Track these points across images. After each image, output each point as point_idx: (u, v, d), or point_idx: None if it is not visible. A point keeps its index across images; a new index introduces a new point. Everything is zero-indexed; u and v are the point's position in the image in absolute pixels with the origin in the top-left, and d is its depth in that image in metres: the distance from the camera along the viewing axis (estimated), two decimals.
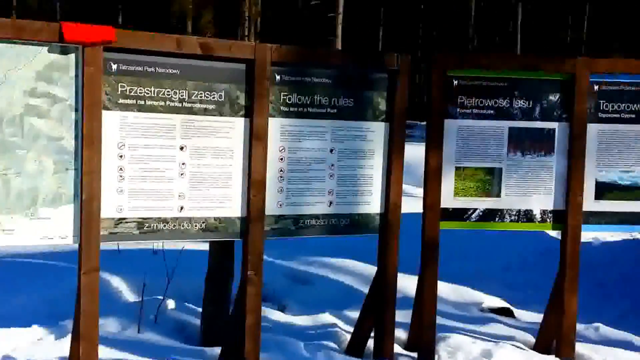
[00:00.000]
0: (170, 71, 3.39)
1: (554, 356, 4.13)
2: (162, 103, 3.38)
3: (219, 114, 3.50)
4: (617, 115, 4.15)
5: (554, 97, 4.08)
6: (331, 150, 3.78)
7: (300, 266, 5.95)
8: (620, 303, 5.56)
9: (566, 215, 4.09)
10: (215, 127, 3.49)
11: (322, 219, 3.79)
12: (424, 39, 31.39)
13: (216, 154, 3.50)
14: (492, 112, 4.04)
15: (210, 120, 3.48)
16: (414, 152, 5.52)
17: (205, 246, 4.51)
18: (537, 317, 4.64)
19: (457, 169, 4.03)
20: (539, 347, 4.28)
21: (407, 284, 4.77)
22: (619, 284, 5.99)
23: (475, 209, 4.07)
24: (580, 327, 4.46)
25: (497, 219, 4.09)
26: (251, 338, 3.61)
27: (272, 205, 3.65)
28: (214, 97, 3.48)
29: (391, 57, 3.86)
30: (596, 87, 4.12)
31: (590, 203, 4.13)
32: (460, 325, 4.73)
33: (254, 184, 3.55)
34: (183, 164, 3.44)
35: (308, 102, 3.70)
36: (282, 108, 3.64)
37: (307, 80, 3.70)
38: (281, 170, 3.68)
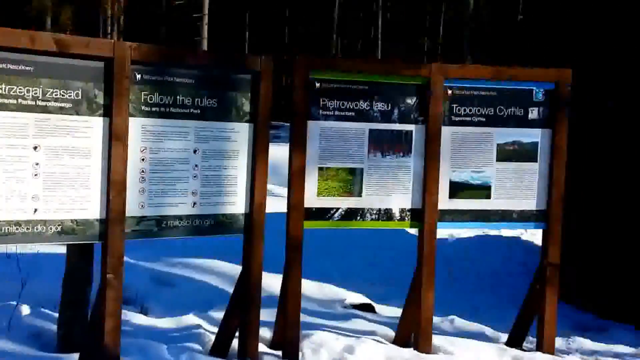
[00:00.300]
0: (24, 68, 3.23)
1: (412, 349, 4.31)
2: (14, 101, 3.21)
3: (75, 113, 3.37)
4: (469, 119, 4.38)
5: (411, 101, 4.26)
6: (195, 151, 3.74)
7: (164, 267, 5.85)
8: (473, 296, 5.90)
9: (423, 213, 4.28)
10: (71, 126, 3.36)
11: (185, 219, 3.75)
12: (289, 42, 31.75)
13: (73, 154, 3.37)
14: (353, 114, 4.16)
15: (67, 120, 3.35)
16: (281, 153, 5.59)
17: (62, 249, 4.33)
18: (396, 312, 4.82)
19: (320, 169, 4.11)
20: (399, 341, 4.45)
21: (272, 282, 4.82)
22: (471, 278, 6.36)
23: (337, 208, 4.17)
24: (436, 319, 4.69)
25: (358, 217, 4.22)
26: (111, 343, 3.51)
27: (134, 206, 3.57)
28: (70, 96, 3.35)
29: (254, 58, 3.88)
30: (449, 92, 4.33)
31: (444, 202, 4.34)
32: (324, 322, 4.83)
33: (113, 185, 3.46)
34: (37, 164, 3.29)
35: (170, 102, 3.65)
36: (143, 108, 3.57)
37: (169, 80, 3.64)
38: (143, 171, 3.60)
